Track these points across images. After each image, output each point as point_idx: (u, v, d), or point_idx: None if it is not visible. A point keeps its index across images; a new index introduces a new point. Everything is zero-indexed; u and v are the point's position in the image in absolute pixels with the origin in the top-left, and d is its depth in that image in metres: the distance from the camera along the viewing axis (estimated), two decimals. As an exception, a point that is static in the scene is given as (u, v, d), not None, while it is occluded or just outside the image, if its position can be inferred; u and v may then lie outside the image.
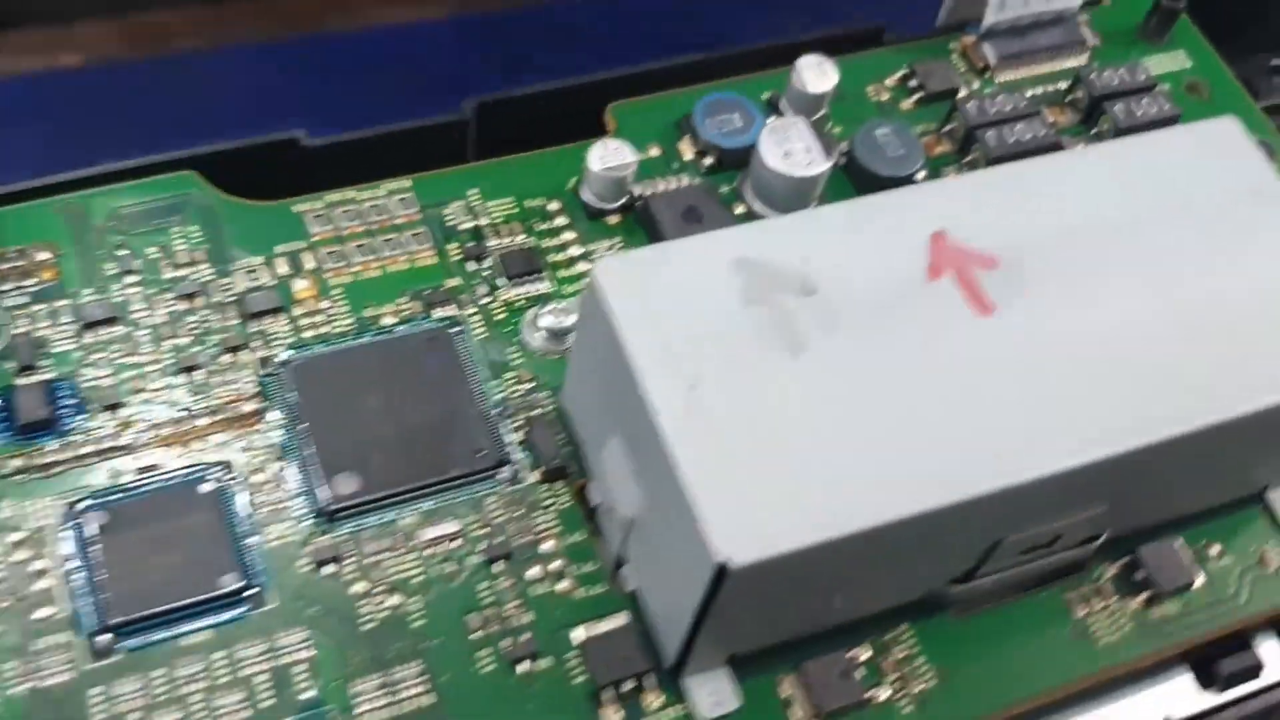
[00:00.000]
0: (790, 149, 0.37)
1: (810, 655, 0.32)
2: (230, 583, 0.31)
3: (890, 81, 0.42)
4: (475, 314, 0.36)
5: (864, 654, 0.32)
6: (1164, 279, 0.31)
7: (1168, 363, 0.30)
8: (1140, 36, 0.45)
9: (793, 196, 0.38)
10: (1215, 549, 0.35)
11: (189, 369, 0.34)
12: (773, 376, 0.29)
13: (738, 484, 0.27)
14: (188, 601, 0.31)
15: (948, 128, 0.41)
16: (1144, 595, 0.34)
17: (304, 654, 0.31)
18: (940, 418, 0.29)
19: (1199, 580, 0.34)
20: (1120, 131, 0.41)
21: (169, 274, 0.36)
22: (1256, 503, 0.36)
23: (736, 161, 0.39)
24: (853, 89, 0.42)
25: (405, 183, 0.38)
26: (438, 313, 0.36)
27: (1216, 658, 0.34)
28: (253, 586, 0.31)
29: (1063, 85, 0.43)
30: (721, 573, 0.27)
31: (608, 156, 0.37)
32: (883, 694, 0.32)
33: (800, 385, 0.29)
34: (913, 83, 0.42)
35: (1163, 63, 0.44)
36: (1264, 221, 0.33)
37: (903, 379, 0.29)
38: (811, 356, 0.29)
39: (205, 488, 0.33)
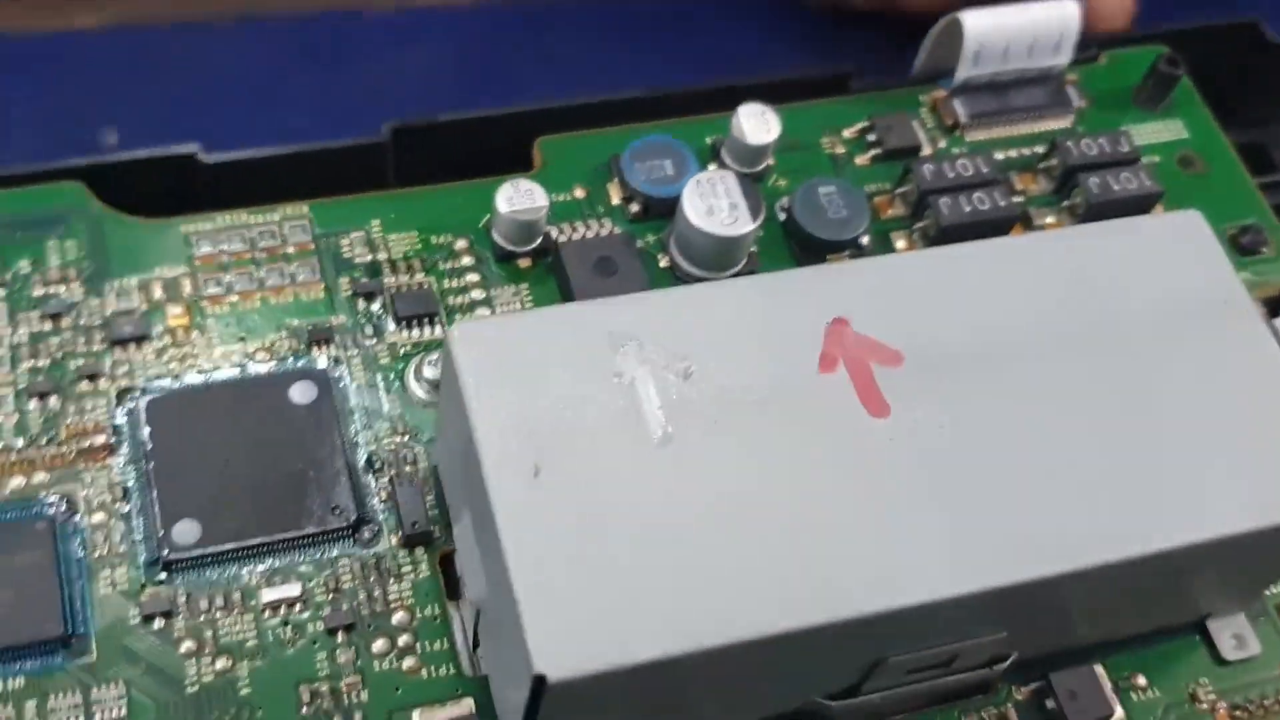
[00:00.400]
0: (715, 205, 0.37)
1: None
2: (51, 630, 0.31)
3: (848, 133, 0.42)
4: (357, 356, 0.36)
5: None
6: (1089, 390, 0.30)
7: (1081, 487, 0.29)
8: (1135, 102, 0.44)
9: (716, 255, 0.37)
10: (1140, 680, 0.34)
11: (43, 394, 0.34)
12: (628, 469, 0.28)
13: (571, 586, 0.27)
14: (5, 645, 0.31)
15: (901, 189, 0.40)
16: (1045, 722, 0.33)
17: (118, 712, 0.31)
18: (806, 530, 0.28)
19: (1116, 714, 0.33)
20: (1093, 206, 0.40)
21: (39, 291, 0.36)
22: (1194, 631, 0.34)
23: (665, 210, 0.39)
24: (806, 139, 0.41)
25: (303, 207, 0.38)
26: (317, 352, 0.36)
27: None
28: (75, 635, 0.31)
29: (1040, 149, 0.42)
30: (540, 684, 0.26)
31: (516, 198, 0.37)
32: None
33: (657, 481, 0.28)
34: (871, 136, 0.41)
35: (1156, 132, 0.43)
36: (1216, 333, 0.32)
37: (771, 483, 0.28)
38: (673, 449, 0.28)
39: (41, 524, 0.33)
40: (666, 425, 0.28)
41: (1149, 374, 0.31)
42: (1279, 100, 0.49)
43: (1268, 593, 0.35)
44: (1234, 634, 0.34)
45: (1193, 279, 0.32)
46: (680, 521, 0.28)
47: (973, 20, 0.41)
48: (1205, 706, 0.33)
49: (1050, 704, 0.33)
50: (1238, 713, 0.33)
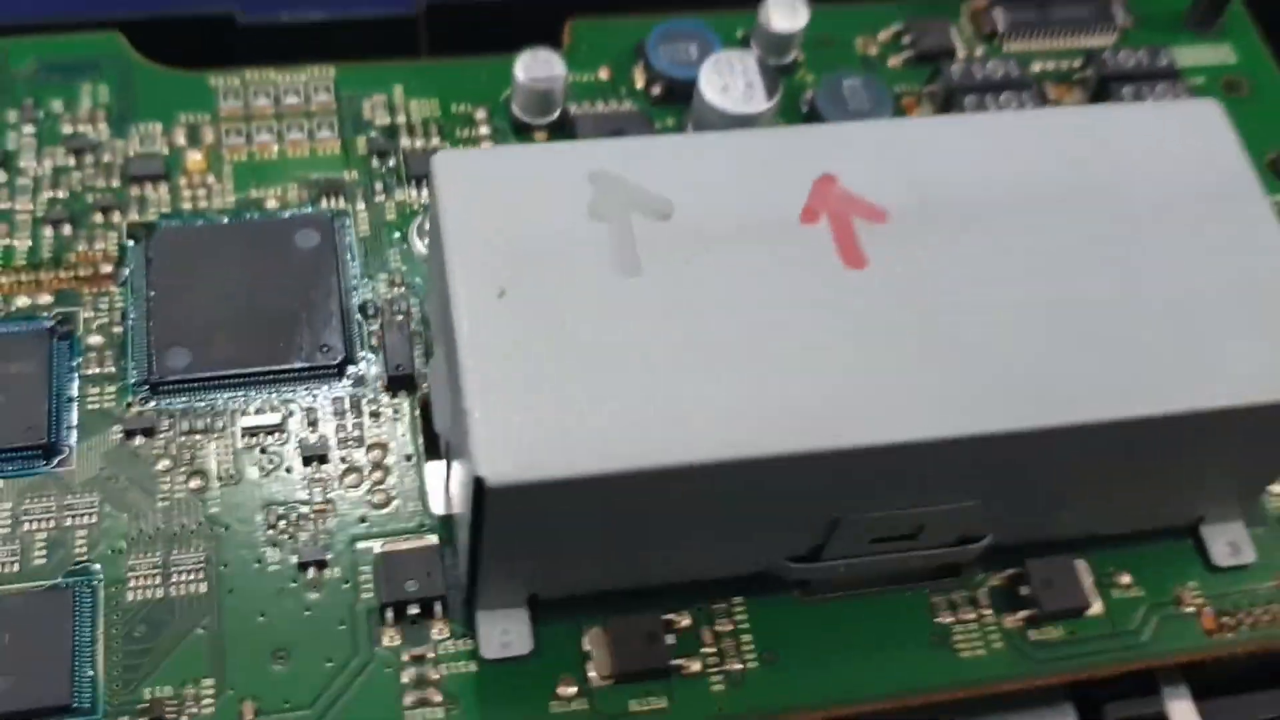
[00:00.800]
0: (731, 84, 0.36)
1: (624, 612, 0.30)
2: (33, 437, 0.31)
3: (883, 36, 0.40)
4: (364, 210, 0.36)
5: (684, 621, 0.30)
6: (1082, 258, 0.29)
7: (1062, 347, 0.28)
8: (1186, 25, 0.42)
9: (730, 134, 0.36)
10: (1124, 578, 0.32)
11: (57, 223, 0.35)
12: (595, 295, 0.27)
13: (523, 398, 0.26)
14: (-10, 447, 0.31)
15: (929, 88, 0.39)
16: (1024, 613, 0.31)
17: (89, 519, 0.31)
18: (763, 367, 0.27)
19: (1094, 608, 0.31)
20: (1126, 117, 0.38)
21: (67, 129, 0.36)
22: (1188, 535, 0.33)
23: (687, 95, 0.38)
24: (840, 38, 0.40)
25: (330, 70, 0.38)
26: (326, 203, 0.36)
27: (1107, 699, 0.32)
28: (58, 445, 0.31)
29: (1077, 64, 0.40)
30: (480, 489, 0.25)
31: (535, 66, 0.36)
32: (693, 666, 0.30)
33: (622, 309, 0.27)
34: (906, 39, 0.40)
35: (1204, 54, 0.41)
36: (1221, 214, 0.30)
37: (734, 320, 0.27)
38: (643, 281, 0.28)
39: (39, 338, 0.33)
40: (638, 259, 0.28)
41: (1146, 246, 0.29)
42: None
43: (1271, 502, 0.33)
44: (1229, 541, 0.32)
45: (1202, 162, 0.31)
46: (639, 348, 0.27)
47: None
48: (1190, 610, 0.32)
49: (1024, 591, 0.31)
50: (1225, 618, 0.31)
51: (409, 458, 0.32)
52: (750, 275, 0.28)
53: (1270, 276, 0.29)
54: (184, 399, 0.32)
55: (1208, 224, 0.30)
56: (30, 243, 0.34)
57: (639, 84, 0.39)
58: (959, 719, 0.31)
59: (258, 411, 0.32)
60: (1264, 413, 0.28)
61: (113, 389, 0.32)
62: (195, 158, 0.36)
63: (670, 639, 0.30)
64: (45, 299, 0.34)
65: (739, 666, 0.30)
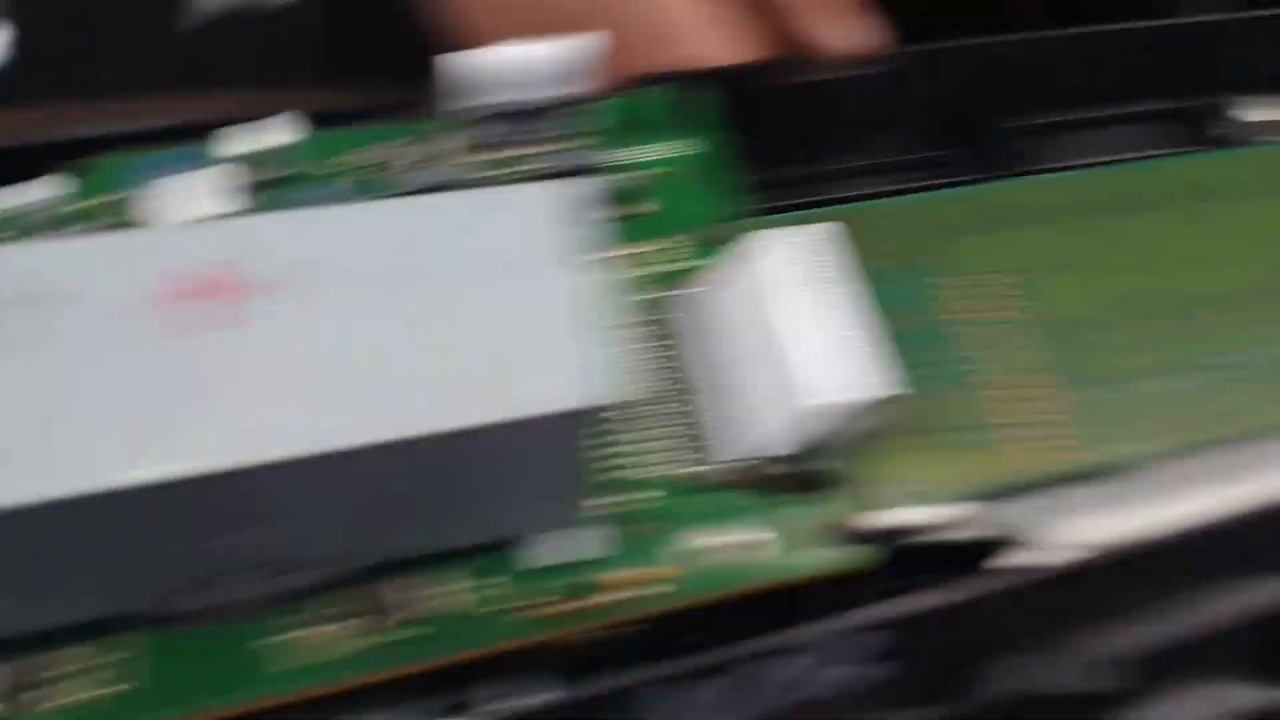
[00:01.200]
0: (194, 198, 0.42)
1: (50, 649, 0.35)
2: None
3: (376, 154, 0.46)
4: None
5: (72, 654, 0.35)
6: (406, 315, 0.33)
7: (377, 382, 0.32)
8: (654, 128, 0.47)
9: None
10: (466, 583, 0.37)
11: None
12: None
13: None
14: None
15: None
16: (375, 618, 0.36)
17: None
18: (118, 410, 0.31)
19: (440, 607, 0.36)
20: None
21: None
22: (522, 543, 0.38)
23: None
24: (340, 153, 0.46)
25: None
26: None
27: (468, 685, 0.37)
28: None
29: (538, 166, 0.46)
30: None
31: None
32: (59, 698, 0.34)
33: None
34: (399, 154, 0.46)
35: (661, 151, 0.47)
36: (521, 277, 0.35)
37: (112, 378, 0.31)
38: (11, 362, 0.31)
39: None
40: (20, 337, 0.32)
41: (457, 300, 0.34)
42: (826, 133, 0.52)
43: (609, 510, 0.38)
44: (554, 545, 0.38)
45: (515, 235, 0.36)
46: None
47: (459, 59, 0.45)
48: (516, 606, 0.37)
49: (373, 599, 0.36)
50: (537, 610, 0.37)
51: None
52: (142, 342, 0.32)
53: (541, 328, 0.34)
54: None
55: (510, 283, 0.35)
56: None
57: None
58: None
59: None
60: (522, 427, 0.33)
61: None
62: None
63: (46, 673, 0.35)
64: None
65: (104, 692, 0.35)
